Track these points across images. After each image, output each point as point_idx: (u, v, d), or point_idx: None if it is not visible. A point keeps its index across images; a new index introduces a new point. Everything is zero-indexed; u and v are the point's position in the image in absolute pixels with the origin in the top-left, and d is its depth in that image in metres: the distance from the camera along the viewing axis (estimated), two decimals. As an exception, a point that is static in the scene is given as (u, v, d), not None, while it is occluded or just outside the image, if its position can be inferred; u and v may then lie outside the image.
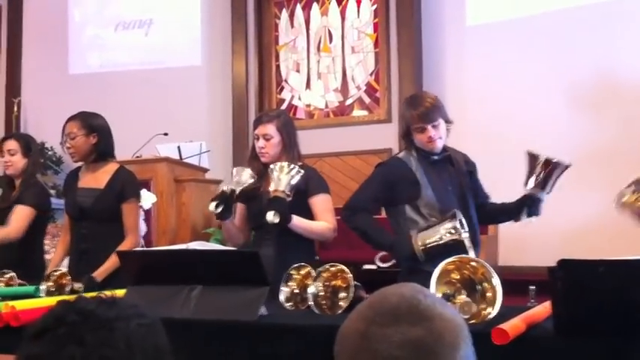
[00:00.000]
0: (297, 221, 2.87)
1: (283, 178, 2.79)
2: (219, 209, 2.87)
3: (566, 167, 2.83)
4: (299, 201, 2.88)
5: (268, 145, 3.01)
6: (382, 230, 2.84)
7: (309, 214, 2.98)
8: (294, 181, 2.79)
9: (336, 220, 3.03)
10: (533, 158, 2.87)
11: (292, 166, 2.82)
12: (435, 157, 2.92)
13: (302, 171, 2.82)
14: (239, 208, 3.15)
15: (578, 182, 5.39)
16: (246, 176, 2.92)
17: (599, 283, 1.60)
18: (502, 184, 5.65)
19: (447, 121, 2.93)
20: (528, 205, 2.84)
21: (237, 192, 2.90)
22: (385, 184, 2.87)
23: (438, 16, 6.10)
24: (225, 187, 2.93)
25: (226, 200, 2.89)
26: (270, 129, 3.03)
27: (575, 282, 1.61)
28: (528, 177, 2.86)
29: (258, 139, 3.06)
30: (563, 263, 1.60)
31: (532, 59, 5.63)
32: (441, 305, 1.05)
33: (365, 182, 2.95)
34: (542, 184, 2.82)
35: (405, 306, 1.02)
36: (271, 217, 2.72)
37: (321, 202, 3.01)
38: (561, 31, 5.54)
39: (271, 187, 2.80)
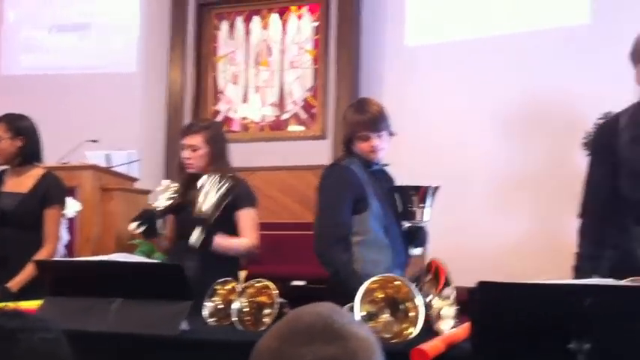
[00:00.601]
0: (219, 242, 2.82)
1: (211, 196, 2.75)
2: (141, 229, 2.81)
3: (427, 188, 2.77)
4: (225, 213, 2.84)
5: (194, 156, 2.96)
6: (353, 274, 2.59)
7: (234, 227, 2.95)
8: (222, 201, 2.76)
9: (259, 235, 3.00)
10: (398, 191, 2.80)
11: (224, 182, 2.78)
12: (375, 167, 2.85)
13: (232, 189, 2.79)
14: (170, 218, 3.08)
15: (502, 206, 5.56)
16: (168, 193, 2.87)
17: (516, 306, 1.63)
18: (436, 206, 5.73)
19: (390, 133, 2.87)
20: (411, 239, 2.80)
21: (159, 210, 2.85)
22: (349, 192, 2.71)
23: (378, 36, 6.19)
24: (151, 205, 2.90)
25: (149, 219, 2.83)
26: (197, 140, 2.97)
27: (493, 304, 1.64)
28: (402, 211, 2.77)
29: (184, 149, 3.00)
30: (482, 285, 1.63)
31: (466, 83, 5.77)
32: (355, 325, 1.06)
33: (325, 200, 2.74)
34: (411, 214, 2.75)
35: (321, 325, 1.03)
36: (193, 241, 2.69)
37: (245, 217, 2.96)
38: (494, 57, 5.69)
39: (198, 204, 2.75)
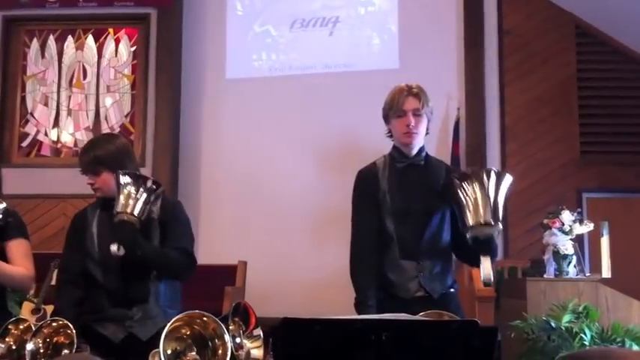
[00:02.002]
0: None
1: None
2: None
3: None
4: None
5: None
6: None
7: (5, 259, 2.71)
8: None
9: (32, 266, 2.77)
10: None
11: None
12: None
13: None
14: None
15: (321, 237, 5.73)
16: None
17: (316, 342, 1.66)
18: (251, 233, 5.76)
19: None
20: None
21: None
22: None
23: (198, 65, 6.15)
24: None
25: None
26: None
27: (294, 340, 1.66)
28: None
29: None
30: (285, 321, 1.64)
31: (285, 117, 5.90)
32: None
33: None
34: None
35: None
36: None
37: (17, 248, 2.74)
38: (311, 94, 5.90)
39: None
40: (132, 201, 2.43)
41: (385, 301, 2.63)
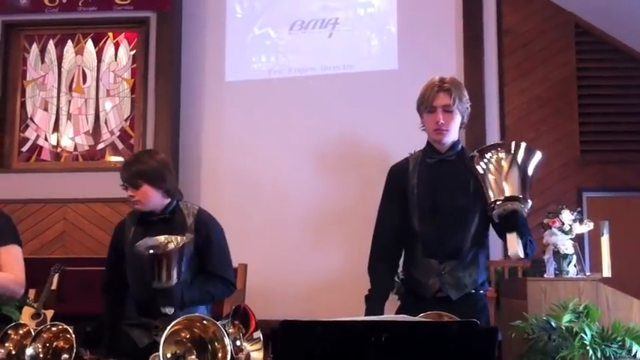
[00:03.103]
0: None
1: None
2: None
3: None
4: None
5: None
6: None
7: None
8: None
9: (23, 272, 2.81)
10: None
11: None
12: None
13: None
14: None
15: (321, 239, 5.73)
16: None
17: (317, 344, 1.66)
18: (251, 235, 5.78)
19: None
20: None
21: None
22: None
23: (198, 68, 6.16)
24: None
25: None
26: None
27: (294, 342, 1.66)
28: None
29: None
30: (284, 324, 1.64)
31: (285, 119, 5.90)
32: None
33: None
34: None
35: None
36: None
37: (7, 254, 2.78)
38: (311, 95, 5.90)
39: None
40: (166, 272, 2.51)
41: (407, 298, 2.66)
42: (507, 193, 2.28)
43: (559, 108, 5.81)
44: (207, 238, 2.82)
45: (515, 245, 2.25)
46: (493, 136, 5.78)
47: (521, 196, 2.28)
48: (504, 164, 2.31)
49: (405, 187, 2.63)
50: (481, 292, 2.65)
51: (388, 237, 2.66)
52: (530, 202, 2.30)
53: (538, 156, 2.36)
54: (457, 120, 2.62)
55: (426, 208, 2.59)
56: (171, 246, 2.48)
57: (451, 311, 2.23)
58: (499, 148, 2.36)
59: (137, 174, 2.73)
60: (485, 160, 2.35)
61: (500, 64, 5.88)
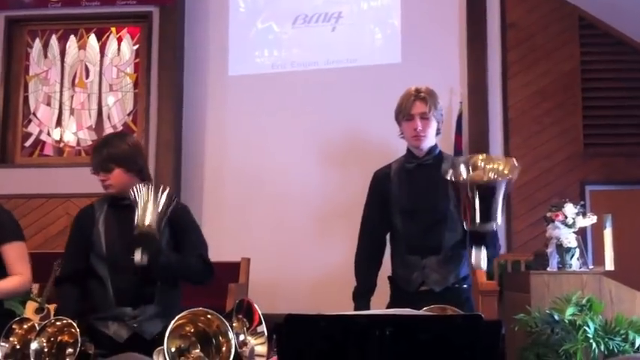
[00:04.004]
0: None
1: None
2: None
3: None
4: None
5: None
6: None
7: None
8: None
9: (30, 269, 2.77)
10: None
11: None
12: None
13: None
14: None
15: (324, 234, 5.73)
16: None
17: (321, 338, 1.66)
18: (254, 230, 5.77)
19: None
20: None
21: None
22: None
23: (201, 63, 6.15)
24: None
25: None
26: None
27: (299, 337, 1.66)
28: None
29: None
30: (289, 318, 1.64)
31: (289, 113, 5.90)
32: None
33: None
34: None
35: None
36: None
37: (13, 251, 2.74)
38: (316, 89, 5.89)
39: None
40: (150, 213, 2.46)
41: (394, 294, 2.82)
42: (477, 223, 2.28)
43: (563, 101, 5.80)
44: (184, 220, 2.72)
45: (480, 261, 2.35)
46: (496, 129, 5.77)
47: (487, 222, 2.28)
48: (469, 193, 2.26)
49: (387, 191, 2.82)
50: (464, 286, 2.80)
51: (371, 238, 2.89)
52: (494, 225, 2.30)
53: (510, 169, 2.27)
54: (433, 126, 2.79)
55: (407, 210, 2.78)
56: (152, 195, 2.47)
57: (435, 304, 2.31)
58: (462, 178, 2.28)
59: (109, 158, 2.63)
60: (457, 188, 2.31)
61: (503, 58, 5.86)
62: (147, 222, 2.44)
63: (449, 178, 2.32)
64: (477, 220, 2.29)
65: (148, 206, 2.47)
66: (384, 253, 2.91)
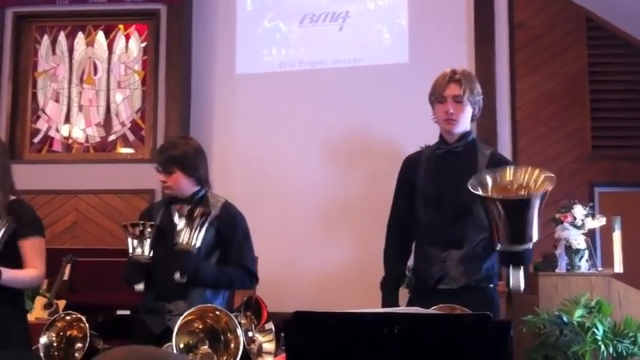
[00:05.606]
0: (8, 276, 2.58)
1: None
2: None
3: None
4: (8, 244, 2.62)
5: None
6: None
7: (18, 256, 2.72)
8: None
9: (44, 265, 2.78)
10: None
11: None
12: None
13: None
14: None
15: (329, 233, 5.72)
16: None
17: (329, 335, 1.66)
18: (261, 227, 5.79)
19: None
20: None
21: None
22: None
23: (208, 61, 6.15)
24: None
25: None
26: None
27: (307, 333, 1.66)
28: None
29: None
30: (297, 315, 1.64)
31: (295, 112, 5.90)
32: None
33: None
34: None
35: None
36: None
37: (31, 247, 2.74)
38: (320, 88, 5.89)
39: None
40: (188, 232, 2.61)
41: (415, 287, 2.70)
42: (509, 242, 2.19)
43: (570, 103, 5.78)
44: (231, 230, 2.84)
45: (519, 281, 2.24)
46: (504, 131, 5.75)
47: (522, 243, 2.20)
48: (502, 212, 2.14)
49: (415, 177, 2.70)
50: (490, 285, 2.65)
51: (398, 226, 2.76)
52: (530, 244, 2.24)
53: (549, 188, 2.21)
54: (467, 111, 2.64)
55: (431, 198, 2.64)
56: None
57: (456, 303, 2.23)
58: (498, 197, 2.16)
59: (171, 159, 2.74)
60: (488, 204, 2.19)
61: (511, 59, 5.84)
62: (185, 240, 2.60)
63: (477, 192, 2.17)
64: (508, 240, 2.15)
65: (186, 225, 2.63)
66: (412, 243, 2.77)
